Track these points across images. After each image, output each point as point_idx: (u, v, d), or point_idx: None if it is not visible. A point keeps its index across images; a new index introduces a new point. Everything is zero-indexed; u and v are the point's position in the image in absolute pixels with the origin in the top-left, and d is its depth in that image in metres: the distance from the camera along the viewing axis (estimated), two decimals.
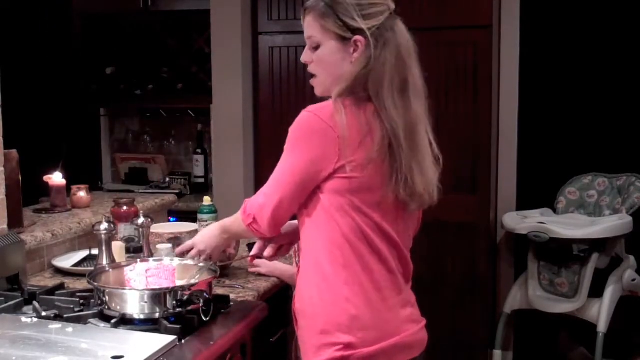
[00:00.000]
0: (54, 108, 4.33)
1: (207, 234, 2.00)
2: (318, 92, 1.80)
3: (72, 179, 2.91)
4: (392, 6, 1.74)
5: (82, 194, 2.88)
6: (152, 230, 2.41)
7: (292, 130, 1.71)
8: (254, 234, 1.82)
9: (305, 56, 1.78)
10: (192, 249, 2.00)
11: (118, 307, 1.75)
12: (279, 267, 2.31)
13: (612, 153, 3.78)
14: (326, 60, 1.73)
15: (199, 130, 4.42)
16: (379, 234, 1.70)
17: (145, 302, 1.74)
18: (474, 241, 3.68)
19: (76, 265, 2.40)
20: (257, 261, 2.30)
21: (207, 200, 2.53)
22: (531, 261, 3.57)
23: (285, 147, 1.73)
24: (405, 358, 1.74)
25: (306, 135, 1.69)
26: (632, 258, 3.55)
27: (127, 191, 4.08)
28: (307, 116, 1.70)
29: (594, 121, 3.80)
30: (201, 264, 1.99)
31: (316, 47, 1.74)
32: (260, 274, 2.30)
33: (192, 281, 1.87)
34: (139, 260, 2.00)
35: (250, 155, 3.98)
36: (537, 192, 3.83)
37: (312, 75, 1.80)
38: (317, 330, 1.70)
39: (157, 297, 1.74)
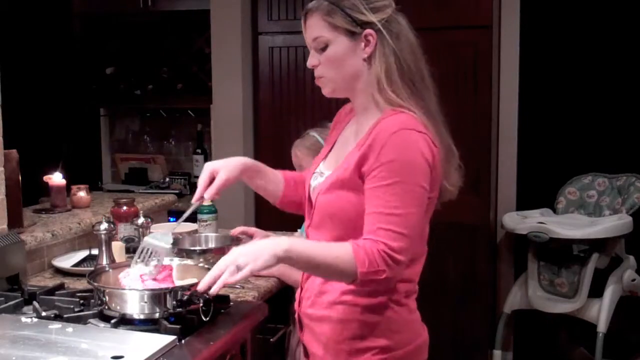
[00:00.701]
0: (54, 108, 4.33)
1: (259, 251, 1.54)
2: (327, 91, 1.72)
3: (72, 179, 2.91)
4: (393, 3, 1.71)
5: (82, 194, 2.88)
6: (152, 230, 2.41)
7: (401, 152, 1.56)
8: (368, 281, 1.57)
9: (312, 60, 1.69)
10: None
11: (118, 307, 1.75)
12: (279, 268, 2.30)
13: (612, 153, 3.78)
14: (337, 58, 1.66)
15: (199, 130, 4.43)
16: (423, 241, 1.72)
17: (145, 302, 1.73)
18: (474, 241, 3.68)
19: (76, 265, 2.40)
20: None
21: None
22: (531, 261, 3.57)
23: (395, 172, 1.55)
24: (424, 357, 1.76)
25: (420, 155, 1.57)
26: (632, 258, 3.55)
27: (127, 191, 4.08)
28: (411, 134, 1.58)
29: (594, 121, 3.80)
30: (201, 264, 1.99)
31: (323, 48, 1.66)
32: (259, 275, 2.30)
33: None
34: (130, 265, 1.93)
35: (250, 155, 3.98)
36: (537, 192, 3.83)
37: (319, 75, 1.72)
38: (347, 335, 1.67)
39: (157, 297, 1.74)
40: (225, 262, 1.54)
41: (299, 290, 1.82)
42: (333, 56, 1.66)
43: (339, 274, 1.56)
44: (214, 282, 1.53)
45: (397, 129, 1.57)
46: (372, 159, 1.57)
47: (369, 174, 1.58)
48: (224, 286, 1.54)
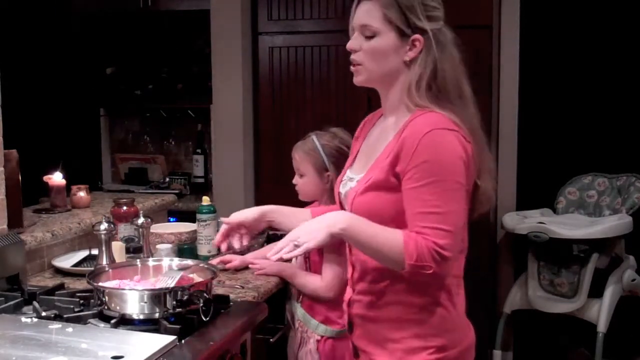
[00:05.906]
0: (54, 108, 4.33)
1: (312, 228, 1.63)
2: (360, 79, 1.71)
3: (72, 179, 2.91)
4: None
5: (82, 194, 2.88)
6: (152, 230, 2.41)
7: (434, 153, 1.57)
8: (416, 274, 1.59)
9: (354, 43, 1.68)
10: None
11: (118, 307, 1.75)
12: (285, 267, 2.30)
13: (612, 153, 3.78)
14: (380, 51, 1.66)
15: (199, 130, 4.43)
16: (465, 236, 1.74)
17: (145, 302, 1.74)
18: (474, 241, 3.66)
19: (76, 265, 2.40)
20: (261, 262, 2.30)
21: (205, 200, 2.53)
22: (531, 261, 3.57)
23: (430, 172, 1.56)
24: (472, 357, 1.78)
25: (453, 153, 1.59)
26: (632, 258, 3.55)
27: (127, 191, 4.08)
28: (443, 133, 1.59)
29: (594, 121, 3.80)
30: (201, 264, 1.99)
31: (370, 36, 1.66)
32: (260, 274, 2.30)
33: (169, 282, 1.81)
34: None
35: (250, 155, 3.98)
36: (537, 192, 3.83)
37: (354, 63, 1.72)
38: (405, 335, 1.69)
39: (157, 297, 1.74)
40: (289, 238, 1.63)
41: (349, 291, 1.82)
42: (377, 48, 1.66)
43: (388, 261, 1.61)
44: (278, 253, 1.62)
45: (429, 129, 1.58)
46: (405, 160, 1.59)
47: (404, 176, 1.59)
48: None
